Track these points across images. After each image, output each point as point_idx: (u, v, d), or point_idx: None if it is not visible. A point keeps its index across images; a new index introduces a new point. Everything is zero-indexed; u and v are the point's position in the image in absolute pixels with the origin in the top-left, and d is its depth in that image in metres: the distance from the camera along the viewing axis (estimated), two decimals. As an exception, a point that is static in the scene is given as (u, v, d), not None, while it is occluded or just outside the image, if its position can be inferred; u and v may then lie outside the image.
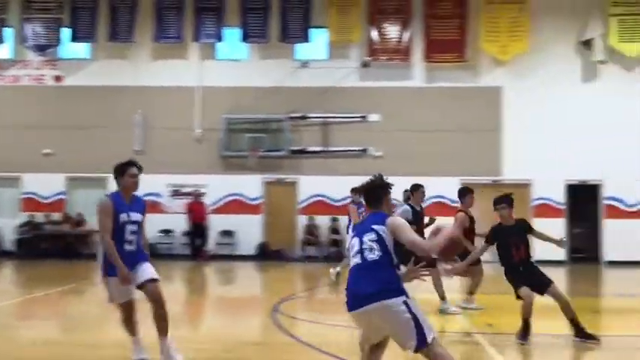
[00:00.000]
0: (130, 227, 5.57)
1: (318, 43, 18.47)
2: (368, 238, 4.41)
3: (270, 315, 8.62)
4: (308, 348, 6.64)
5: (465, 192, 9.53)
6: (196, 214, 17.51)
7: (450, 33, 17.96)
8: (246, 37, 18.21)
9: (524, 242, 7.43)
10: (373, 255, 4.34)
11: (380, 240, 4.38)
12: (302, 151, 18.27)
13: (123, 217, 5.54)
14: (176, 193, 18.29)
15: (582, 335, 6.91)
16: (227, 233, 18.11)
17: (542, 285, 7.20)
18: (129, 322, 5.70)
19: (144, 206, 5.83)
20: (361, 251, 4.39)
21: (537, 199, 17.91)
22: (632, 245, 16.97)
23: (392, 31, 18.16)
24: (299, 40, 18.25)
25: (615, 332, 8.31)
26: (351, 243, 4.55)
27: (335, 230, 17.93)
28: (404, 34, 18.10)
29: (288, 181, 18.50)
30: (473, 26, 17.88)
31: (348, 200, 13.20)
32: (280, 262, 17.41)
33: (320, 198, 18.30)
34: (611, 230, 17.62)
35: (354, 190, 11.56)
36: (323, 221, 18.10)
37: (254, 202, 18.37)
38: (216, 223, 17.93)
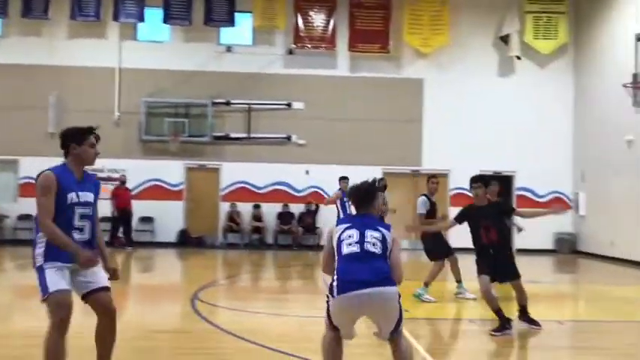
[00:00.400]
0: (80, 210, 4.41)
1: (242, 28, 18.24)
2: (372, 234, 4.43)
3: (189, 303, 8.50)
4: (228, 335, 6.59)
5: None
6: (120, 199, 16.92)
7: (375, 24, 18.17)
8: (168, 19, 17.72)
9: (496, 225, 7.05)
10: (375, 249, 4.38)
11: (383, 240, 4.43)
12: (225, 137, 18.05)
13: (71, 196, 4.37)
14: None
15: (527, 319, 7.10)
16: (147, 219, 17.68)
17: (505, 276, 7.07)
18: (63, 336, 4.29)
19: (98, 186, 4.67)
20: (362, 242, 4.38)
21: (455, 188, 18.46)
22: (541, 234, 17.83)
23: (317, 19, 18.18)
24: (223, 24, 17.95)
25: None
26: (346, 233, 4.46)
27: (257, 217, 17.87)
28: (329, 22, 18.15)
29: (211, 167, 18.25)
30: (396, 18, 18.14)
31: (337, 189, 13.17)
32: (201, 250, 17.20)
33: (243, 185, 18.18)
34: (523, 220, 18.38)
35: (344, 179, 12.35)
36: (245, 208, 17.99)
37: (175, 188, 18.02)
38: (136, 209, 17.44)
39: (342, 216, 11.69)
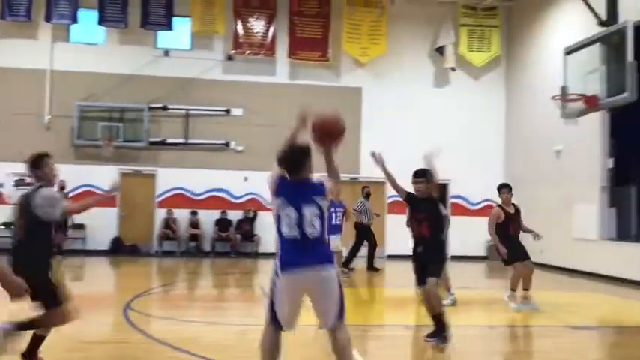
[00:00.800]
0: None
1: (181, 32, 17.98)
2: (309, 212, 4.42)
3: (122, 312, 8.27)
4: (162, 345, 6.45)
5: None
6: None
7: (314, 32, 18.27)
8: (103, 21, 17.28)
9: (428, 220, 6.96)
10: (314, 231, 4.39)
11: (321, 214, 4.46)
12: (161, 143, 17.73)
13: None
14: (21, 183, 16.96)
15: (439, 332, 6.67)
16: (78, 227, 17.11)
17: (424, 276, 6.79)
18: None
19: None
20: (301, 225, 4.39)
21: (391, 196, 18.72)
22: (473, 241, 18.33)
23: (257, 25, 18.12)
24: (161, 27, 17.63)
25: (461, 322, 8.89)
26: (284, 212, 4.45)
27: (194, 224, 17.61)
28: (269, 29, 18.12)
29: (146, 173, 17.86)
30: (335, 27, 18.30)
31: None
32: (135, 258, 16.80)
33: (179, 191, 17.89)
34: (457, 227, 18.84)
35: None
36: (182, 215, 17.70)
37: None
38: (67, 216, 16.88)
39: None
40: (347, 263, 13.61)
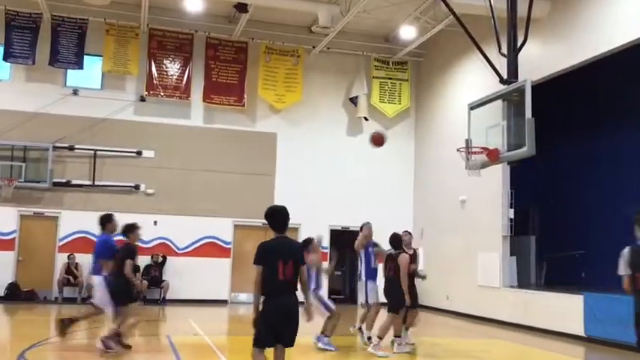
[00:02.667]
0: None
1: (92, 71, 17.56)
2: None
3: (14, 364, 7.71)
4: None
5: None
6: None
7: (230, 77, 18.32)
8: (8, 56, 16.61)
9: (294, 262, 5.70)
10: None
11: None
12: (66, 184, 17.02)
13: None
14: None
15: None
16: (-32, 271, 15.99)
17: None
18: None
19: None
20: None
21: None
22: (381, 287, 18.51)
23: (172, 67, 17.97)
24: (71, 65, 17.13)
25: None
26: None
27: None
28: (185, 72, 18.01)
29: (48, 215, 17.03)
30: (251, 74, 18.44)
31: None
32: (33, 304, 15.83)
33: (84, 234, 17.11)
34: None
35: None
36: (86, 260, 16.88)
37: (6, 237, 16.56)
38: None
39: (363, 268, 10.72)
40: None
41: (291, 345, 5.54)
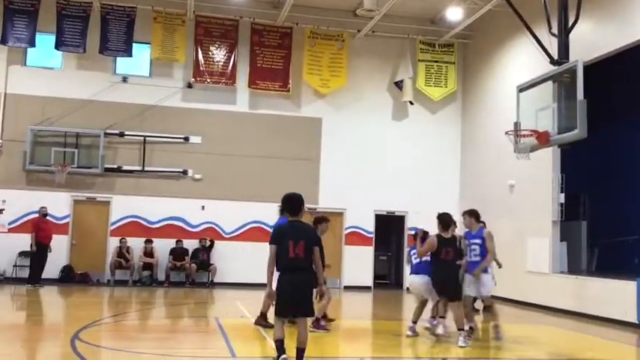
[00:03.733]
0: None
1: (140, 59, 17.87)
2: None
3: (69, 343, 7.99)
4: (110, 378, 6.24)
5: None
6: (43, 233, 15.80)
7: (275, 63, 18.37)
8: (60, 45, 17.04)
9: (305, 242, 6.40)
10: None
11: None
12: (117, 170, 17.44)
13: None
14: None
15: None
16: (27, 254, 16.54)
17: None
18: None
19: None
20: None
21: (349, 227, 18.79)
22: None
23: (218, 54, 18.13)
24: (120, 53, 17.47)
25: (413, 354, 8.90)
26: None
27: (149, 253, 17.26)
28: (230, 58, 18.15)
29: (100, 200, 17.50)
30: (296, 59, 18.45)
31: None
32: (86, 287, 16.35)
33: (134, 219, 17.56)
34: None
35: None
36: (136, 243, 17.33)
37: (60, 222, 17.09)
38: (17, 244, 16.38)
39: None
40: None
41: (307, 315, 6.38)
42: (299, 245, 6.23)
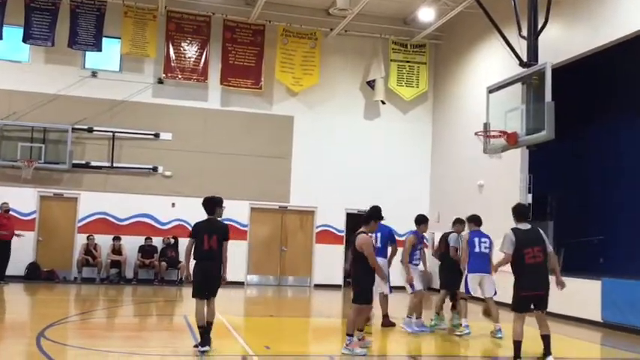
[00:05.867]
0: None
1: (110, 53, 17.62)
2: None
3: (35, 341, 7.85)
4: (75, 377, 6.14)
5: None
6: (5, 229, 15.49)
7: (247, 60, 18.28)
8: (28, 38, 16.72)
9: None
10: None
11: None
12: (85, 165, 17.18)
13: None
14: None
15: None
16: (-9, 251, 16.21)
17: None
18: None
19: None
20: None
21: (320, 225, 18.81)
22: (397, 271, 18.55)
23: (190, 50, 17.96)
24: (89, 47, 17.18)
25: (378, 352, 8.93)
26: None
27: (117, 250, 17.03)
28: (202, 55, 18.00)
29: (68, 196, 17.22)
30: (269, 56, 18.38)
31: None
32: (53, 284, 16.08)
33: (102, 216, 17.31)
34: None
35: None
36: (104, 241, 17.09)
37: (27, 218, 16.78)
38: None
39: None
40: None
41: (213, 296, 7.83)
42: (212, 239, 7.66)
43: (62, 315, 10.79)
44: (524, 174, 15.11)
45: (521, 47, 13.15)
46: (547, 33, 12.77)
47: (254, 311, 13.84)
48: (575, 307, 12.56)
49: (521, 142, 12.49)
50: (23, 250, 16.34)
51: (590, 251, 16.22)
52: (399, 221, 19.24)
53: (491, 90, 13.58)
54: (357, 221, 19.71)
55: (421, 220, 10.43)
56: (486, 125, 13.30)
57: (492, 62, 16.21)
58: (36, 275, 16.43)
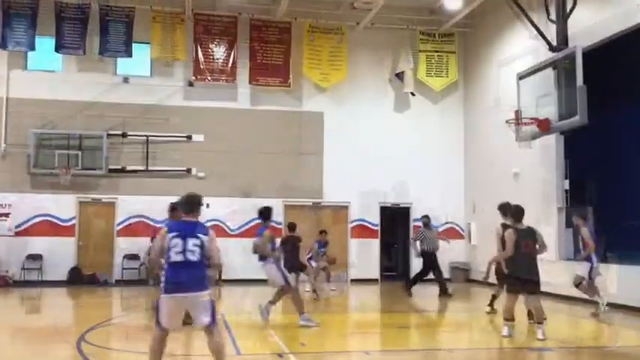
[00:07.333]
0: None
1: (141, 58, 17.87)
2: (193, 242, 5.73)
3: (75, 345, 8.04)
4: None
5: None
6: None
7: (275, 58, 18.34)
8: (60, 48, 17.07)
9: None
10: (194, 257, 5.69)
11: (202, 246, 5.75)
12: (121, 170, 17.50)
13: None
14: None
15: None
16: (34, 257, 16.69)
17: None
18: None
19: None
20: (184, 252, 5.69)
21: (355, 220, 18.79)
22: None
23: (218, 51, 18.12)
24: (120, 54, 17.48)
25: (418, 346, 8.90)
26: (173, 242, 5.71)
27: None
28: (230, 55, 18.13)
29: (106, 201, 17.57)
30: (296, 53, 18.41)
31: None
32: (94, 287, 16.44)
33: (140, 219, 17.61)
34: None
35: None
36: (143, 243, 17.36)
37: (67, 224, 17.18)
38: (23, 246, 16.52)
39: None
40: (410, 286, 14.48)
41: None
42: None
43: (103, 318, 11.02)
44: (560, 160, 14.83)
45: (551, 31, 12.89)
46: (576, 16, 12.50)
47: (290, 308, 13.91)
48: (618, 293, 12.27)
49: (553, 129, 12.28)
50: (65, 255, 16.75)
51: (632, 236, 15.81)
52: (434, 213, 19.20)
53: (522, 76, 13.37)
54: (392, 214, 19.79)
55: None
56: (518, 112, 13.09)
57: (522, 48, 15.92)
58: (78, 279, 16.83)
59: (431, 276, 14.75)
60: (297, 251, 12.67)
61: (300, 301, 9.79)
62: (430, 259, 14.58)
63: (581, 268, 11.32)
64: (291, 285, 9.78)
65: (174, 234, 5.77)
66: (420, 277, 14.66)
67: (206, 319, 5.68)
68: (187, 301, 5.70)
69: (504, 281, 9.16)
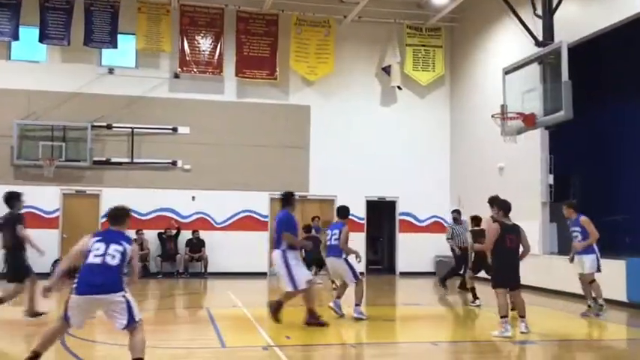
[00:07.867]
0: None
1: (126, 50, 17.72)
2: (115, 248, 5.76)
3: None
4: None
5: None
6: None
7: (262, 51, 18.27)
8: (44, 38, 16.89)
9: None
10: (113, 261, 5.70)
11: (124, 252, 5.79)
12: (105, 162, 17.36)
13: None
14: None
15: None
16: (17, 249, 16.50)
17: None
18: None
19: None
20: (104, 255, 5.71)
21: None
22: (422, 257, 18.58)
23: (204, 43, 18.00)
24: (105, 45, 17.31)
25: (403, 339, 8.93)
26: (95, 245, 5.78)
27: (140, 245, 17.17)
28: (216, 47, 18.03)
29: (90, 193, 17.44)
30: (283, 46, 18.35)
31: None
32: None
33: (125, 211, 17.45)
34: (405, 243, 19.05)
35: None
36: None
37: (50, 215, 17.04)
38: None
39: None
40: (444, 280, 14.39)
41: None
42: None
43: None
44: (544, 154, 14.93)
45: (537, 26, 12.94)
46: (562, 11, 12.56)
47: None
48: (604, 289, 12.35)
49: (539, 123, 12.34)
50: (48, 247, 16.54)
51: (615, 230, 15.97)
52: (420, 207, 19.29)
53: (508, 71, 13.42)
54: (377, 208, 19.84)
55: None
56: (503, 107, 13.14)
57: (508, 43, 15.99)
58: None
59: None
60: (318, 248, 12.77)
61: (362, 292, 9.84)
62: (464, 255, 14.46)
63: (587, 264, 10.46)
64: (360, 280, 9.84)
65: (98, 238, 5.89)
66: (455, 273, 14.52)
67: (121, 322, 5.67)
68: (100, 303, 5.73)
69: (492, 281, 9.14)
